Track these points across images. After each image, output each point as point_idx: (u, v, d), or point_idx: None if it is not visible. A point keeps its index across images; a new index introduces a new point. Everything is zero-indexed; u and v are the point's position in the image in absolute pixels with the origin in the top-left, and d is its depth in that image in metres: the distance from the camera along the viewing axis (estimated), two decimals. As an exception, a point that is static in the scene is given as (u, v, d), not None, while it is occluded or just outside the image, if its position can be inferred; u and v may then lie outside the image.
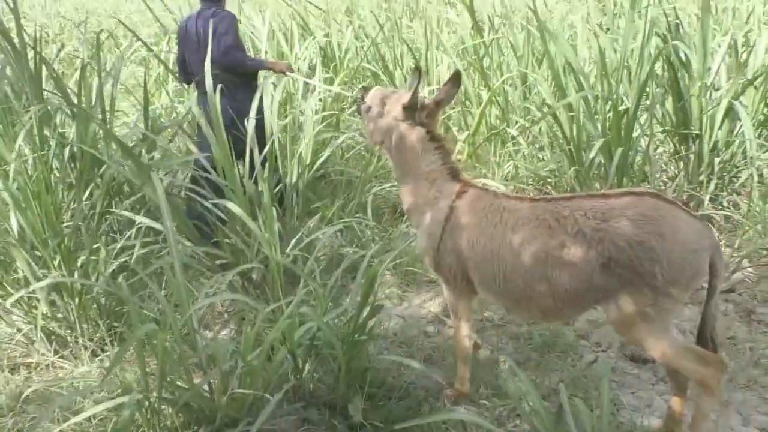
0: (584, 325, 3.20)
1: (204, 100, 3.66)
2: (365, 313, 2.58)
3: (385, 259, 3.04)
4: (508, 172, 4.64)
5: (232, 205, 3.02)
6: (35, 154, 3.01)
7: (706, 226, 2.04)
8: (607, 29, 4.93)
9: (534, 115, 4.42)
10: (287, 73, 4.11)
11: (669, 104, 3.98)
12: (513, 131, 4.40)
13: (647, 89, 3.49)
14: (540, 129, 4.39)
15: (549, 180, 4.36)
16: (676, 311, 2.14)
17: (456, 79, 2.43)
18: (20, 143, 3.26)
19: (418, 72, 2.38)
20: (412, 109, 2.40)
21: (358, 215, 3.99)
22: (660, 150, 4.24)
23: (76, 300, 2.94)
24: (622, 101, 3.67)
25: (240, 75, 3.92)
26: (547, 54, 3.91)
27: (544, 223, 2.10)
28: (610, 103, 3.35)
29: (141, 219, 3.00)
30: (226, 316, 3.36)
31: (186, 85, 4.33)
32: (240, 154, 3.53)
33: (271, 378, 2.40)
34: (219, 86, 3.31)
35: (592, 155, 3.39)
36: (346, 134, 4.57)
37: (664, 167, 4.22)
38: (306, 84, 4.62)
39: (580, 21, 4.87)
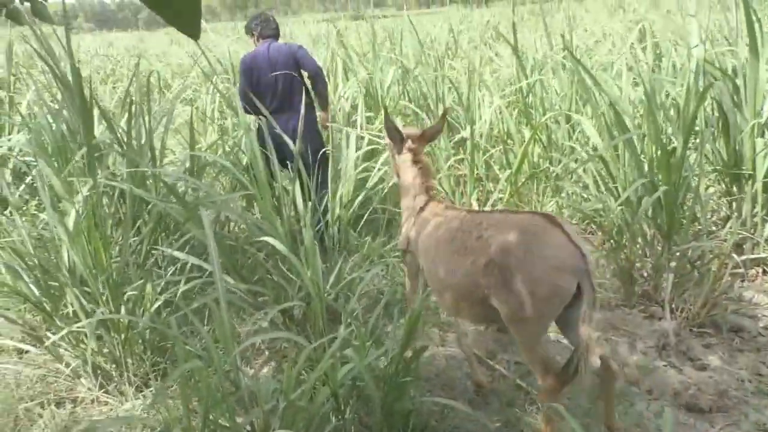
0: (634, 371, 3.07)
1: (276, 120, 3.88)
2: (408, 353, 2.55)
3: (426, 299, 3.01)
4: (552, 211, 4.57)
5: (274, 242, 3.05)
6: (86, 192, 3.10)
7: (578, 253, 2.18)
8: (653, 69, 4.88)
9: (578, 154, 4.37)
10: (326, 124, 4.56)
11: (720, 144, 3.88)
12: (557, 170, 4.35)
13: (696, 128, 3.41)
14: (584, 168, 4.33)
15: (595, 219, 4.27)
16: (544, 322, 2.30)
17: (444, 116, 3.10)
18: (72, 180, 3.40)
19: (385, 114, 3.01)
20: (397, 143, 3.03)
21: (398, 253, 3.97)
22: (711, 190, 4.12)
23: (122, 335, 2.98)
24: (670, 141, 3.60)
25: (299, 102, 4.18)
26: (590, 96, 3.88)
27: (461, 229, 2.49)
28: (656, 142, 3.28)
29: (187, 258, 3.04)
30: (266, 353, 3.35)
31: (252, 114, 4.53)
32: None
33: (313, 418, 2.37)
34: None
35: (629, 194, 3.31)
36: (382, 170, 4.60)
37: (716, 208, 4.09)
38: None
39: (624, 60, 4.84)
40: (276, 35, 4.60)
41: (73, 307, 3.01)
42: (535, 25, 9.88)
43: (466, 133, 4.88)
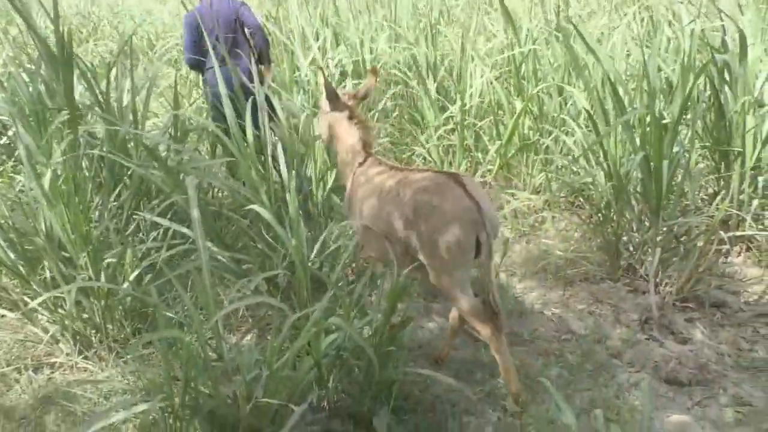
0: (617, 343, 3.09)
1: (221, 70, 3.94)
2: (392, 324, 2.53)
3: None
4: (540, 183, 4.54)
5: (259, 209, 2.98)
6: (65, 156, 3.01)
7: (475, 207, 2.41)
8: (646, 45, 4.81)
9: (569, 126, 4.33)
10: (269, 80, 4.67)
11: (709, 120, 3.85)
12: (548, 141, 4.30)
13: (689, 104, 3.37)
14: (575, 140, 4.29)
15: (584, 192, 4.25)
16: (458, 270, 2.49)
17: (374, 73, 3.18)
18: (51, 143, 3.29)
19: (321, 72, 3.08)
20: (334, 100, 3.05)
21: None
22: (700, 166, 4.10)
23: (102, 302, 2.93)
24: (662, 116, 3.56)
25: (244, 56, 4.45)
26: (584, 66, 3.82)
27: (385, 187, 2.70)
28: (650, 117, 3.24)
29: (169, 224, 2.97)
30: (250, 321, 3.32)
31: (193, 69, 4.84)
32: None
33: (296, 387, 2.35)
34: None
35: (630, 169, 3.28)
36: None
37: (704, 184, 4.09)
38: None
39: (619, 33, 4.76)
40: None
41: (51, 272, 2.94)
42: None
43: (455, 109, 4.81)
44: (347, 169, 3.05)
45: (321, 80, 3.06)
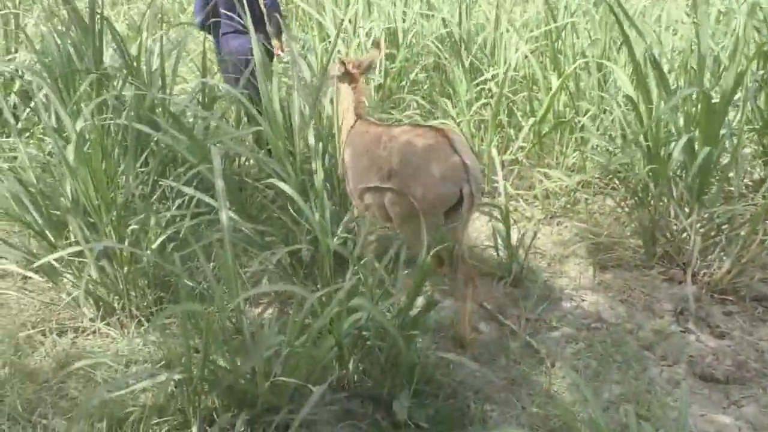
0: (649, 334, 2.98)
1: (229, 38, 4.10)
2: (416, 305, 2.45)
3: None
4: (574, 163, 4.38)
5: (283, 185, 2.92)
6: (86, 122, 2.96)
7: (462, 165, 2.57)
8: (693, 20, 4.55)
9: (607, 104, 4.14)
10: (280, 51, 4.58)
11: (762, 101, 3.64)
12: (584, 120, 4.12)
13: (740, 84, 3.17)
14: (612, 119, 4.10)
15: (619, 174, 4.08)
16: (433, 218, 2.63)
17: (377, 46, 3.41)
18: (79, 106, 3.26)
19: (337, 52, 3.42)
20: (342, 72, 3.24)
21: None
22: (747, 150, 3.90)
23: (125, 268, 2.91)
24: (709, 96, 3.37)
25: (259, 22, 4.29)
26: (626, 41, 3.61)
27: (374, 142, 2.87)
28: (697, 96, 3.05)
29: (193, 193, 2.93)
30: (272, 294, 3.28)
31: (203, 31, 4.67)
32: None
33: (316, 366, 2.31)
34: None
35: (675, 153, 3.10)
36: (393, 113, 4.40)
37: (750, 169, 3.88)
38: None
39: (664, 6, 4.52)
40: None
41: (75, 237, 2.93)
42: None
43: (488, 76, 4.64)
44: (344, 130, 3.25)
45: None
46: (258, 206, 3.63)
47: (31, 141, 3.73)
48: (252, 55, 3.87)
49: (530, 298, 3.20)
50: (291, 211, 3.15)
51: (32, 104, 4.13)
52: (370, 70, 3.45)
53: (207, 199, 2.89)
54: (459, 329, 2.84)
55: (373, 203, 2.91)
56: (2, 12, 5.31)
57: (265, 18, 4.45)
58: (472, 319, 2.92)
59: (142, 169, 3.38)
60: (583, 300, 3.26)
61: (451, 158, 2.59)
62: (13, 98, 4.54)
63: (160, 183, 3.24)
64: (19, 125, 4.27)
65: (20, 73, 4.27)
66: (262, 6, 4.49)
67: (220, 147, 3.40)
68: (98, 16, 3.65)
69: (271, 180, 3.02)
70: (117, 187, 3.09)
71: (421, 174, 2.61)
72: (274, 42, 4.61)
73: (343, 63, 3.23)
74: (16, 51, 5.12)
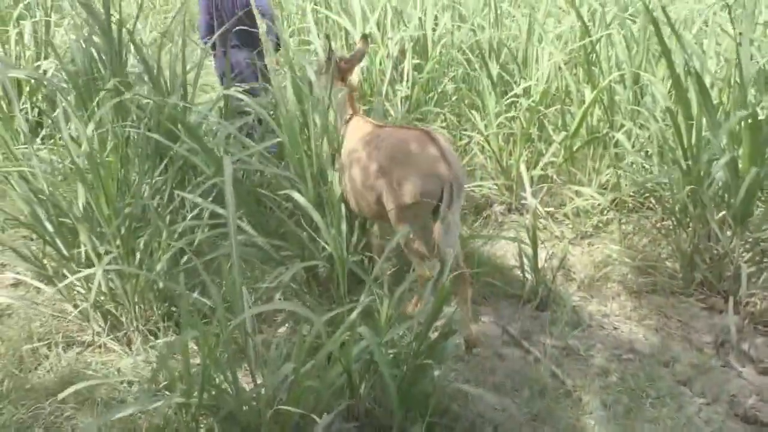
0: (686, 368, 2.76)
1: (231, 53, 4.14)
2: (432, 332, 2.30)
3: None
4: (607, 180, 4.17)
5: (299, 197, 2.81)
6: (98, 130, 2.90)
7: (443, 161, 2.65)
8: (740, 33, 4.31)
9: (644, 118, 3.92)
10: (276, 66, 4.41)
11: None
12: (619, 135, 3.91)
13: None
14: (649, 135, 3.89)
15: (656, 193, 3.86)
16: (418, 215, 2.71)
17: (364, 39, 3.42)
18: (100, 115, 3.20)
19: (328, 41, 3.21)
20: (330, 66, 3.21)
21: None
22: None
23: (134, 281, 2.82)
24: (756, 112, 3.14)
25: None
26: (664, 51, 3.41)
27: (366, 141, 2.93)
28: (742, 113, 2.84)
29: (208, 205, 2.83)
30: (285, 311, 3.15)
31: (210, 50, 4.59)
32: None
33: (324, 393, 2.16)
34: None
35: (717, 173, 2.89)
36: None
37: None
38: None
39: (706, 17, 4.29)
40: None
41: (86, 247, 2.86)
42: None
43: (519, 90, 4.47)
44: (339, 124, 3.27)
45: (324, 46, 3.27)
46: (276, 219, 3.52)
47: (54, 148, 3.71)
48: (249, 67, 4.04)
49: (558, 324, 3.01)
50: (304, 225, 3.03)
51: (56, 111, 4.12)
52: (359, 64, 3.43)
53: (221, 211, 2.79)
54: (462, 331, 2.84)
55: (361, 198, 2.94)
56: (34, 20, 5.35)
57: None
58: (472, 319, 2.91)
59: (160, 177, 3.31)
60: (615, 328, 3.06)
61: (437, 158, 2.68)
62: (42, 104, 4.56)
63: (178, 193, 3.16)
64: (43, 132, 4.28)
65: (44, 80, 4.27)
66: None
67: (231, 158, 3.32)
68: (115, 18, 3.62)
69: (286, 191, 2.91)
70: (132, 196, 3.01)
71: (406, 170, 2.69)
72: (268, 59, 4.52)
73: (331, 56, 3.23)
74: (46, 58, 5.16)
